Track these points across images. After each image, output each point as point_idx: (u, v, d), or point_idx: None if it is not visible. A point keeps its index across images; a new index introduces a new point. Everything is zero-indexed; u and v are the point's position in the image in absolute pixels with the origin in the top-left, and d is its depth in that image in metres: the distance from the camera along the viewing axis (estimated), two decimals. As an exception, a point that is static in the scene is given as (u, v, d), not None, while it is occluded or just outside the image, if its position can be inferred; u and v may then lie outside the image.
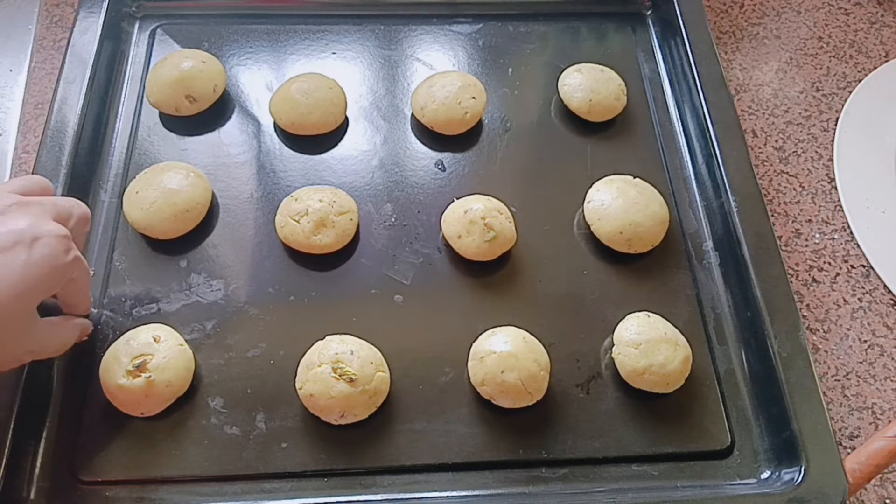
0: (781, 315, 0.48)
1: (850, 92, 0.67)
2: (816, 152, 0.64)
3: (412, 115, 0.59)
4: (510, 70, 0.63)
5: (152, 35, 0.62)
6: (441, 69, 0.62)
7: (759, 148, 0.64)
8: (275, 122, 0.58)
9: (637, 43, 0.66)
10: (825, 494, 0.43)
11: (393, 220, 0.54)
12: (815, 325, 0.55)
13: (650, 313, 0.49)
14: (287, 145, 0.58)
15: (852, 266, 0.58)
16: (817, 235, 0.59)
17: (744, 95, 0.67)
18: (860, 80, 0.67)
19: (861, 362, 0.53)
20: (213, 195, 0.54)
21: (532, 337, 0.47)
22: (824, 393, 0.50)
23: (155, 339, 0.45)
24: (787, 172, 0.63)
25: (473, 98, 0.57)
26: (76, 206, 0.43)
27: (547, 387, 0.46)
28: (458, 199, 0.53)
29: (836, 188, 0.61)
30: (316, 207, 0.51)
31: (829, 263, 0.58)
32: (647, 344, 0.47)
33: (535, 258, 0.53)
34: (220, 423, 0.46)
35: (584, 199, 0.55)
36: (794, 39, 0.71)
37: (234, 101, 0.60)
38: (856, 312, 0.56)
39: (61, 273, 0.39)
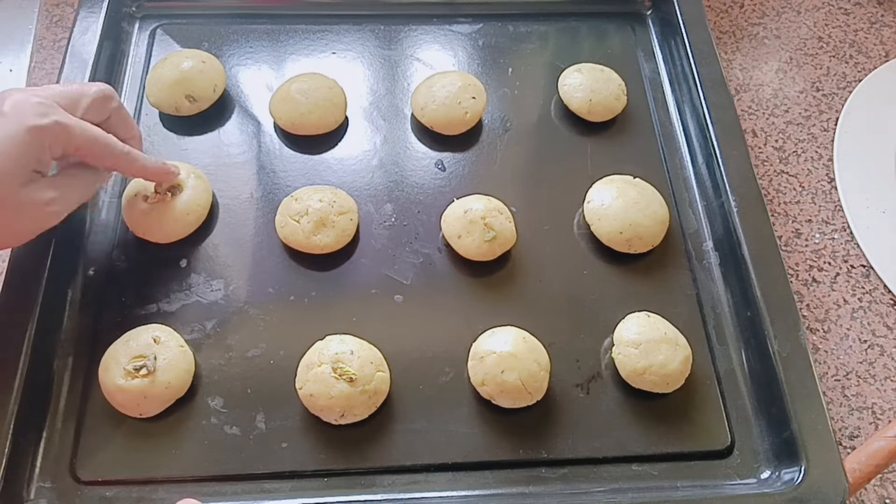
0: (781, 315, 0.48)
1: (850, 92, 0.67)
2: (816, 152, 0.64)
3: (412, 115, 0.59)
4: (510, 70, 0.63)
5: (152, 35, 0.62)
6: (441, 69, 0.62)
7: (759, 148, 0.64)
8: (275, 122, 0.58)
9: (637, 43, 0.66)
10: (825, 494, 0.43)
11: (393, 220, 0.54)
12: (815, 325, 0.55)
13: (650, 313, 0.49)
14: (287, 145, 0.57)
15: (852, 266, 0.58)
16: (817, 235, 0.59)
17: (744, 95, 0.67)
18: (860, 80, 0.67)
19: (861, 362, 0.53)
20: (214, 195, 0.54)
21: (532, 337, 0.47)
22: (824, 393, 0.50)
23: (155, 341, 0.45)
24: (787, 172, 0.63)
25: (473, 98, 0.57)
26: (88, 87, 0.42)
27: (547, 387, 0.46)
28: (458, 198, 0.53)
29: (836, 188, 0.61)
30: (316, 207, 0.51)
31: (829, 263, 0.58)
32: (647, 344, 0.47)
33: (535, 258, 0.53)
34: (220, 423, 0.46)
35: (584, 199, 0.55)
36: (794, 39, 0.71)
37: (234, 101, 0.60)
38: (856, 312, 0.56)
39: (38, 137, 0.37)
